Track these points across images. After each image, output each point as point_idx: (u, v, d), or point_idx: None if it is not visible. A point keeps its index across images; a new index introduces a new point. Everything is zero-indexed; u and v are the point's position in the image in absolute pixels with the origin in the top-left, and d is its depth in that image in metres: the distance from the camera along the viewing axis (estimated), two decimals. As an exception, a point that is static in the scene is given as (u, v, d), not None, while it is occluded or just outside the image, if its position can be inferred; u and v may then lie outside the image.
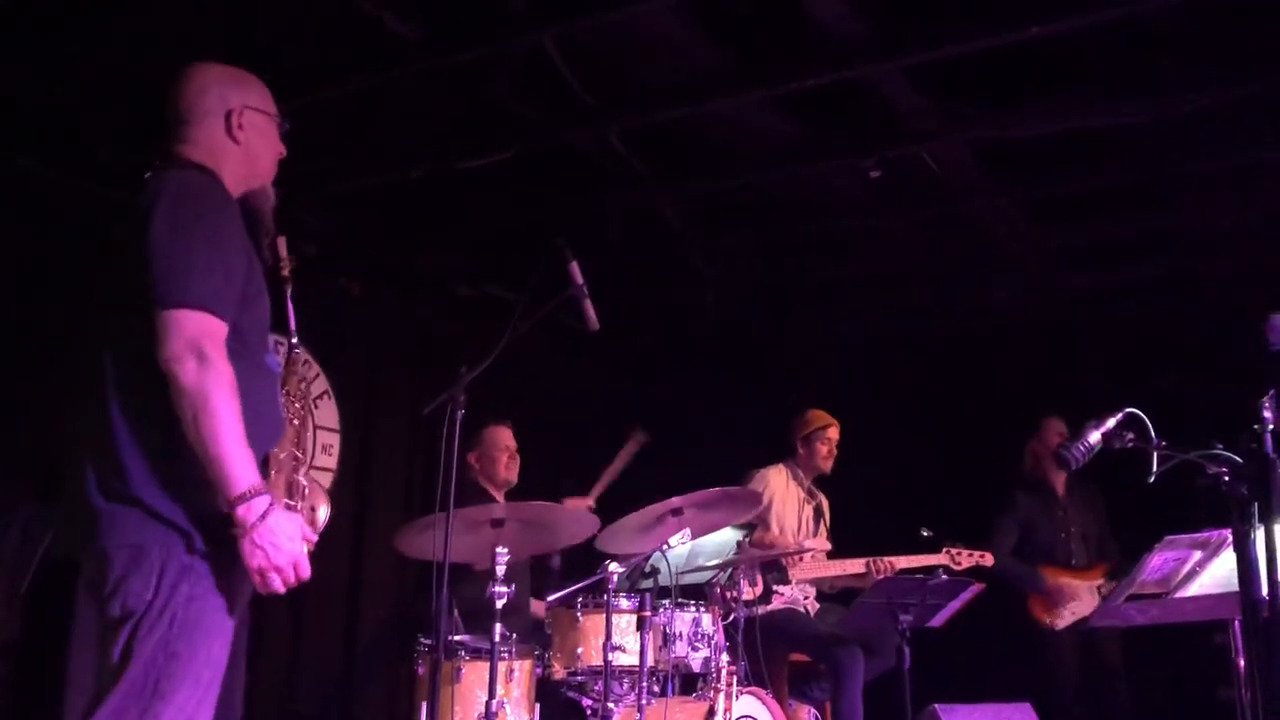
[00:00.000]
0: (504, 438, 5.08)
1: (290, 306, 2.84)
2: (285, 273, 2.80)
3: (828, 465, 5.61)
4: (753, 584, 5.00)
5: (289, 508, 2.34)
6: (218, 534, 2.20)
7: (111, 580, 2.18)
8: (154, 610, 2.16)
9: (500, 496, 4.97)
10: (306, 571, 2.25)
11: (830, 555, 5.50)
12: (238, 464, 2.16)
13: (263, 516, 2.17)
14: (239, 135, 2.48)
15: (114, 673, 2.16)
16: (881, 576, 5.13)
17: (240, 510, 2.15)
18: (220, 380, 2.17)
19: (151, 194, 2.29)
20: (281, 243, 2.74)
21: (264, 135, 2.54)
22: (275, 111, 2.58)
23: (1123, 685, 5.71)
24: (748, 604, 4.54)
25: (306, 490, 2.42)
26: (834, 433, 5.62)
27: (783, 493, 5.50)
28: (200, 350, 2.17)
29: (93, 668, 2.21)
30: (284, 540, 2.19)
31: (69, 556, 2.29)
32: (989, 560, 5.44)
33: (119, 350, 2.28)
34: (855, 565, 5.30)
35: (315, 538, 2.38)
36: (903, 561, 5.25)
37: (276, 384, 2.46)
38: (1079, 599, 5.64)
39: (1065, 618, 5.63)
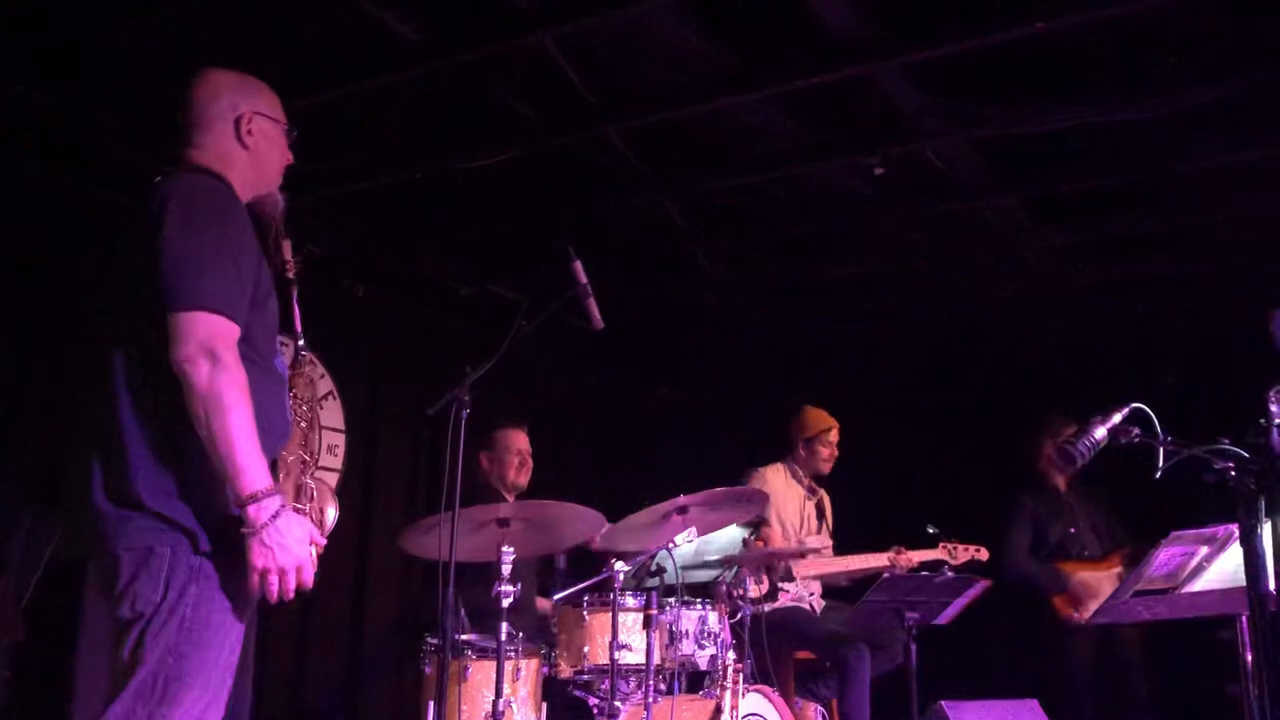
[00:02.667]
0: (517, 441, 5.04)
1: (296, 308, 2.86)
2: (290, 274, 2.82)
3: (828, 467, 5.62)
4: (759, 582, 5.01)
5: (298, 510, 2.35)
6: (226, 536, 2.22)
7: (121, 583, 2.20)
8: (163, 612, 2.18)
9: (511, 498, 4.96)
10: (309, 578, 2.27)
11: (835, 552, 5.52)
12: (250, 465, 2.18)
13: (273, 517, 2.18)
14: (248, 141, 2.51)
15: (124, 673, 2.18)
16: (905, 571, 5.16)
17: (251, 510, 2.17)
18: (233, 382, 2.19)
19: (161, 197, 2.31)
20: (286, 245, 2.77)
21: (272, 142, 2.57)
22: (284, 119, 2.61)
23: (1140, 677, 5.71)
24: (754, 602, 4.54)
25: (315, 492, 2.44)
26: (835, 435, 5.63)
27: (782, 491, 5.50)
28: (213, 352, 2.19)
29: (106, 670, 2.23)
30: (292, 543, 2.21)
31: (76, 559, 2.31)
32: (984, 555, 5.46)
33: (128, 353, 2.29)
34: (878, 559, 5.31)
35: (324, 541, 2.42)
36: (919, 556, 5.28)
37: (284, 387, 2.47)
38: (1102, 589, 5.63)
39: (1089, 611, 5.63)
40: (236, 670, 2.31)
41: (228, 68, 2.58)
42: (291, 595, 2.25)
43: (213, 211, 2.33)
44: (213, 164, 2.46)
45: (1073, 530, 5.87)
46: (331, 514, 2.81)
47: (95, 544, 2.24)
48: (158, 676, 2.16)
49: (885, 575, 4.61)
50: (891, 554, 5.30)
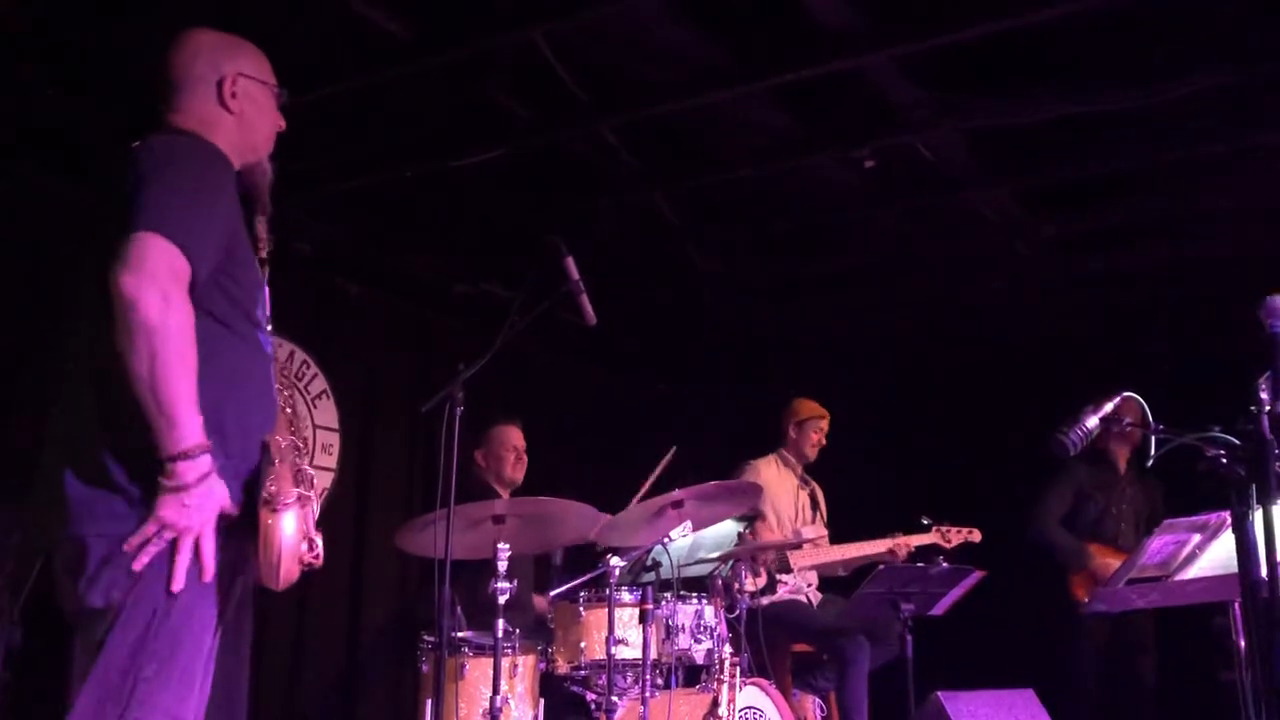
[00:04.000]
0: (512, 437, 5.09)
1: (266, 291, 2.57)
2: (263, 254, 2.54)
3: (814, 454, 5.66)
4: (755, 575, 5.02)
5: (302, 499, 2.21)
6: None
7: (90, 569, 2.07)
8: (130, 603, 2.06)
9: (506, 495, 4.97)
10: (209, 547, 2.09)
11: (830, 542, 5.53)
12: (189, 417, 2.02)
13: (201, 479, 2.04)
14: (232, 104, 2.35)
15: (89, 665, 2.06)
16: (904, 555, 5.19)
17: (181, 466, 2.01)
18: (185, 325, 2.02)
19: (135, 154, 2.17)
20: (261, 223, 2.52)
21: (259, 105, 2.41)
22: (273, 80, 2.45)
23: (1151, 663, 5.67)
24: (752, 595, 4.55)
25: (314, 479, 2.29)
26: (825, 424, 5.68)
27: (775, 483, 5.52)
28: (165, 287, 2.01)
29: (77, 661, 2.11)
30: (209, 510, 2.06)
31: (45, 547, 2.18)
32: (977, 536, 5.43)
33: (101, 331, 2.11)
34: (877, 546, 5.31)
35: (320, 544, 2.25)
36: (913, 540, 5.30)
37: (272, 365, 2.34)
38: None
39: None
40: (231, 665, 2.24)
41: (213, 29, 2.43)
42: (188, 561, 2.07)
43: (195, 158, 2.19)
44: (195, 128, 2.30)
45: (1114, 512, 5.72)
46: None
47: (60, 527, 2.09)
48: (128, 672, 2.04)
49: (881, 567, 4.61)
50: (891, 540, 5.31)
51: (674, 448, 4.99)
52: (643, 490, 4.73)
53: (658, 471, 4.87)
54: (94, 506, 2.08)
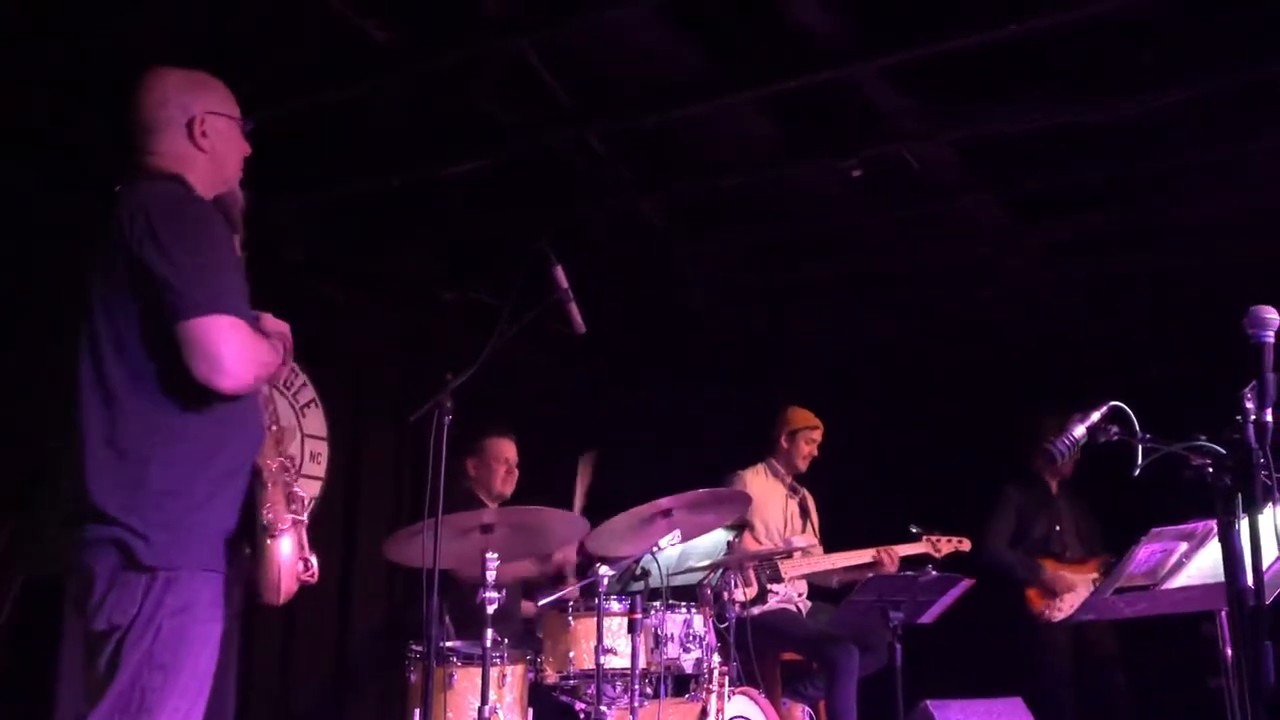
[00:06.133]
0: (505, 450, 5.07)
1: None
2: None
3: (805, 465, 5.64)
4: (746, 585, 5.02)
5: (295, 521, 2.35)
6: (201, 546, 2.22)
7: (96, 595, 2.19)
8: (139, 624, 2.17)
9: (494, 507, 4.94)
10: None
11: (825, 550, 5.53)
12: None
13: None
14: (203, 143, 2.47)
15: (100, 686, 2.17)
16: (892, 568, 5.20)
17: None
18: (262, 355, 2.31)
19: (133, 208, 2.29)
20: (237, 240, 2.64)
21: (227, 139, 2.53)
22: (237, 114, 2.57)
23: (1119, 672, 5.74)
24: (742, 605, 4.54)
25: (305, 499, 2.42)
26: (818, 435, 5.65)
27: (763, 493, 5.50)
28: (241, 363, 2.25)
29: (82, 683, 2.22)
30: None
31: (49, 574, 2.29)
32: (966, 545, 5.49)
33: (100, 364, 2.27)
34: (864, 555, 5.32)
35: (315, 563, 2.38)
36: (903, 550, 5.31)
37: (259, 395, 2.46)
38: (1075, 591, 5.66)
39: (1063, 609, 5.66)
40: (220, 677, 2.30)
41: (174, 66, 2.54)
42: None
43: (189, 218, 2.33)
44: (171, 168, 2.43)
45: (1057, 528, 5.91)
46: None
47: (70, 558, 2.23)
48: (134, 687, 2.15)
49: (870, 575, 4.62)
50: (875, 550, 5.32)
51: (595, 450, 4.99)
52: (578, 499, 4.74)
53: (585, 478, 4.88)
54: (96, 536, 2.20)
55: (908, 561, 5.30)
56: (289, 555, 2.31)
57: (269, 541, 2.29)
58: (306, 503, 2.43)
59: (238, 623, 2.41)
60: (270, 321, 2.45)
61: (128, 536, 2.18)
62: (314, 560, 2.38)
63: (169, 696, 2.17)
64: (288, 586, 2.31)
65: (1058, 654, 5.73)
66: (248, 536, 2.33)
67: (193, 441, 2.27)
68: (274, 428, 2.43)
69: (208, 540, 2.22)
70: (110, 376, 2.26)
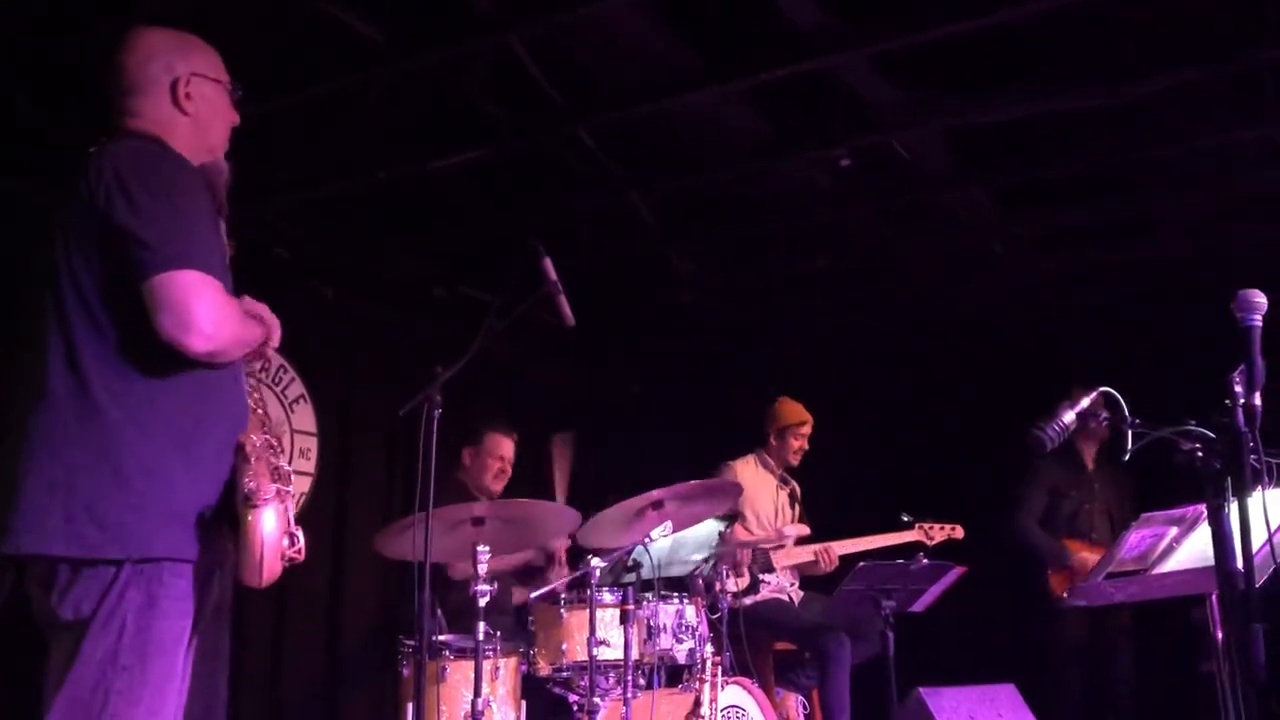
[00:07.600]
0: (503, 447, 5.07)
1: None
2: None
3: (796, 460, 5.65)
4: (738, 575, 5.03)
5: (281, 494, 2.17)
6: (172, 539, 2.09)
7: (60, 583, 2.05)
8: (100, 618, 2.03)
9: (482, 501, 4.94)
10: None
11: (813, 539, 5.55)
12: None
13: None
14: (187, 106, 2.31)
15: (59, 679, 2.03)
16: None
17: None
18: (236, 327, 2.19)
19: (99, 167, 2.14)
20: (220, 225, 2.46)
21: (214, 104, 2.37)
22: (226, 78, 2.41)
23: (1129, 647, 5.72)
24: (735, 595, 4.55)
25: (291, 475, 2.25)
26: (808, 429, 5.65)
27: (754, 483, 5.51)
28: (210, 321, 2.11)
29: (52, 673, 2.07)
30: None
31: (14, 559, 2.14)
32: (959, 533, 5.49)
33: (65, 343, 2.11)
34: (865, 543, 5.37)
35: (301, 539, 2.20)
36: (894, 538, 5.30)
37: (241, 365, 2.32)
38: None
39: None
40: (209, 672, 2.23)
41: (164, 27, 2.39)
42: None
43: (162, 173, 2.17)
44: (151, 129, 2.27)
45: (1087, 508, 5.80)
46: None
47: (32, 545, 2.05)
48: (97, 690, 2.00)
49: (861, 564, 4.63)
50: (876, 537, 5.35)
51: (568, 433, 4.98)
52: (561, 487, 4.73)
53: (563, 460, 4.87)
54: (60, 524, 2.04)
55: (899, 549, 5.32)
56: (272, 529, 2.12)
57: (250, 513, 2.10)
58: (293, 484, 2.26)
59: (228, 616, 2.32)
60: (252, 304, 2.30)
61: (92, 527, 2.03)
62: (300, 535, 2.19)
63: (136, 701, 2.03)
64: (270, 565, 2.12)
65: (1073, 634, 5.69)
66: (228, 517, 2.15)
67: (169, 416, 2.11)
68: (259, 410, 2.29)
69: (182, 525, 2.07)
70: (77, 354, 2.09)
